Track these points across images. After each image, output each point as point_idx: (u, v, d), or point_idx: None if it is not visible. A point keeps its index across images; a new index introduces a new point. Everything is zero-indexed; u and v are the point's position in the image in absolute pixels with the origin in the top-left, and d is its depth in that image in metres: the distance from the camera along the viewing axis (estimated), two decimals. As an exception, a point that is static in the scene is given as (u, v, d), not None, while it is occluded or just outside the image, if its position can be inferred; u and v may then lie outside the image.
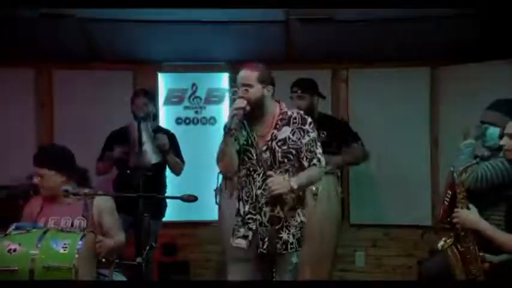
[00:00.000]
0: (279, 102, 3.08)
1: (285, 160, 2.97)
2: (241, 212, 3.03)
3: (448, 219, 3.16)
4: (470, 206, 2.98)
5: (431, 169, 5.00)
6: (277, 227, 2.94)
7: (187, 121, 5.23)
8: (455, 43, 4.61)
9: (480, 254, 2.92)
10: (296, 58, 5.04)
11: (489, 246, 2.90)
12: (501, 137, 3.15)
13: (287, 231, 2.96)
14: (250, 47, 4.79)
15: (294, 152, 2.98)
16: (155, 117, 4.59)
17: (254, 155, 2.97)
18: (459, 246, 2.97)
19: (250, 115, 2.94)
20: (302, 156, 2.99)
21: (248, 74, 2.96)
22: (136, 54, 5.08)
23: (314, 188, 4.10)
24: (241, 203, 3.04)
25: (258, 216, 2.97)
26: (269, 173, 2.89)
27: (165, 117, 5.19)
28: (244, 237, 3.00)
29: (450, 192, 3.20)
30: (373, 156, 4.83)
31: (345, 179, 4.96)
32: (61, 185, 3.15)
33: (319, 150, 3.04)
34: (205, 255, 5.13)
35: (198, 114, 5.22)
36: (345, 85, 5.17)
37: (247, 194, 3.01)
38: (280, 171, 2.95)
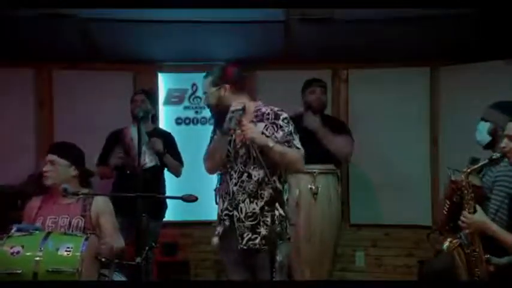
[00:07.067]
0: (255, 101, 3.13)
1: (259, 155, 2.92)
2: (219, 209, 3.06)
3: (447, 227, 3.16)
4: (477, 208, 2.94)
5: (431, 169, 5.00)
6: (254, 223, 2.93)
7: (187, 121, 5.23)
8: (455, 43, 4.61)
9: (486, 256, 2.89)
10: (296, 58, 5.04)
11: (495, 248, 2.88)
12: (490, 133, 3.18)
13: (265, 226, 2.94)
14: (250, 47, 4.79)
15: None
16: (154, 118, 4.59)
17: (232, 152, 3.01)
18: (465, 249, 2.95)
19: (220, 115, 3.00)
20: None
21: (203, 83, 3.13)
22: (136, 54, 5.07)
23: (314, 187, 4.12)
24: (221, 200, 3.07)
25: (234, 212, 2.98)
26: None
27: (165, 117, 5.19)
28: (217, 234, 3.04)
29: (449, 203, 3.18)
30: (373, 155, 4.83)
31: (344, 179, 4.95)
32: (67, 178, 3.18)
33: (297, 140, 3.02)
34: (205, 255, 5.11)
35: (198, 114, 5.22)
36: (345, 85, 5.18)
37: (225, 190, 3.04)
38: (255, 167, 2.95)
